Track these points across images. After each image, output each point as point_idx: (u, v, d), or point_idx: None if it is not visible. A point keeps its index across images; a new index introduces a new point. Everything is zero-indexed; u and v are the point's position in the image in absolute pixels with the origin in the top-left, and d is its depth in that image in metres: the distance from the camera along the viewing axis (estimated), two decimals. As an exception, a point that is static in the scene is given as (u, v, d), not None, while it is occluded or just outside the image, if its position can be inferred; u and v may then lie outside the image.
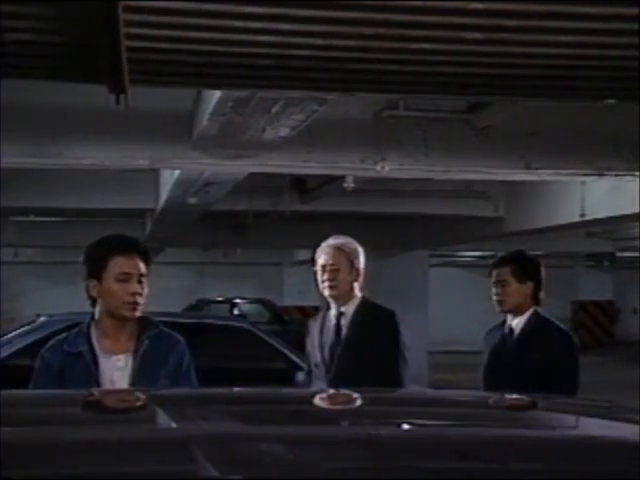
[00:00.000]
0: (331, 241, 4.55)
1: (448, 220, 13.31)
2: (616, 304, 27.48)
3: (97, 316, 3.54)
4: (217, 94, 5.12)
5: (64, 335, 3.59)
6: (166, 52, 3.44)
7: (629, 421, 2.12)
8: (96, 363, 3.46)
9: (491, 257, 6.20)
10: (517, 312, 4.56)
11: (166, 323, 3.73)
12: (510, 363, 4.49)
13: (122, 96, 3.54)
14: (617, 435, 1.97)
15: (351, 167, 7.05)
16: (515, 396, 2.53)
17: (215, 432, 1.82)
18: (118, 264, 3.46)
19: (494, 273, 4.62)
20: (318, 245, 4.60)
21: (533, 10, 3.15)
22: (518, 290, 4.55)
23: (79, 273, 3.60)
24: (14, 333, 9.77)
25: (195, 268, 25.18)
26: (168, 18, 3.15)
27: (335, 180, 9.34)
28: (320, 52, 3.45)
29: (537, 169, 6.90)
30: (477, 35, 3.30)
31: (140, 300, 3.48)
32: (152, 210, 12.20)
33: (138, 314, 3.50)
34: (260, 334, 10.46)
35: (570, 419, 2.27)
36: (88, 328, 3.53)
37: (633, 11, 3.09)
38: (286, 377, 8.65)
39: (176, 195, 9.60)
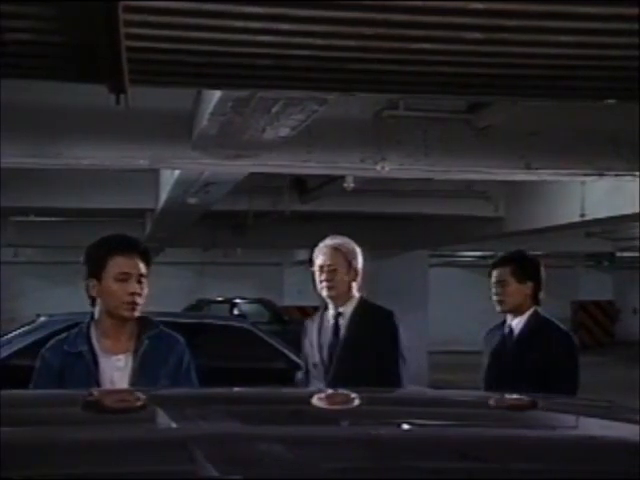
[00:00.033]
0: (328, 241, 4.54)
1: (448, 220, 13.31)
2: (616, 304, 27.48)
3: (97, 316, 3.54)
4: (217, 94, 5.12)
5: (64, 335, 3.59)
6: (166, 52, 3.44)
7: (629, 421, 2.12)
8: (96, 363, 3.47)
9: (491, 257, 6.20)
10: (517, 312, 4.56)
11: (166, 323, 3.73)
12: (510, 363, 4.49)
13: (122, 96, 3.54)
14: (617, 435, 1.97)
15: (351, 167, 7.06)
16: (515, 396, 2.53)
17: (215, 432, 1.82)
18: (117, 264, 3.47)
19: (494, 273, 4.62)
20: (317, 245, 4.59)
21: (533, 10, 3.15)
22: (518, 290, 4.55)
23: (79, 273, 3.60)
24: (14, 333, 9.78)
25: (195, 268, 25.18)
26: (168, 18, 3.15)
27: (335, 180, 9.34)
28: (320, 52, 3.45)
29: (537, 169, 6.90)
30: (477, 35, 3.30)
31: (139, 300, 3.48)
32: (152, 210, 12.21)
33: (137, 314, 3.50)
34: (260, 334, 10.47)
35: (570, 419, 2.27)
36: (88, 328, 3.53)
37: (633, 11, 3.09)
38: (286, 377, 8.65)
39: (176, 195, 9.60)
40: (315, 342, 4.50)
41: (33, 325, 9.69)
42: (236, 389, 2.65)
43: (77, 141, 6.39)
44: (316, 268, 4.50)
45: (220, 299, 22.67)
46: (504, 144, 6.81)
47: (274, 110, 5.17)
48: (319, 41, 3.34)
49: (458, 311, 23.97)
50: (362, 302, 4.54)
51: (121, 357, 3.49)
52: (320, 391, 3.35)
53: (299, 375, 4.65)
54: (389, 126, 6.60)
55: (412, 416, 2.16)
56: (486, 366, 4.64)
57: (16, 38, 3.28)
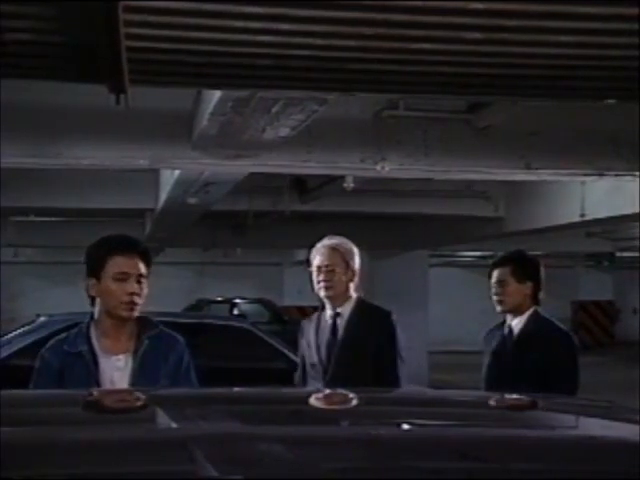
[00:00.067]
0: (326, 241, 4.53)
1: (448, 220, 13.31)
2: (616, 304, 27.48)
3: (97, 316, 3.54)
4: (217, 94, 5.12)
5: (64, 335, 3.59)
6: (166, 52, 3.44)
7: (629, 421, 2.12)
8: (96, 363, 3.46)
9: (491, 257, 6.20)
10: (517, 312, 4.56)
11: (166, 323, 3.73)
12: (510, 363, 4.49)
13: (122, 96, 3.54)
14: (617, 435, 1.97)
15: (351, 167, 7.06)
16: (515, 396, 2.53)
17: (215, 432, 1.82)
18: (117, 263, 3.47)
19: (494, 273, 4.62)
20: (315, 246, 4.59)
21: (533, 10, 3.15)
22: (518, 290, 4.55)
23: (79, 273, 3.61)
24: (14, 333, 9.77)
25: (195, 268, 25.18)
26: (168, 18, 3.15)
27: (335, 180, 9.34)
28: (320, 52, 3.45)
29: (537, 169, 6.90)
30: (477, 35, 3.30)
31: (138, 300, 3.47)
32: (152, 210, 12.21)
33: (136, 314, 3.49)
34: (260, 334, 10.46)
35: (570, 419, 2.27)
36: (88, 328, 3.53)
37: (633, 11, 3.09)
38: (286, 377, 8.64)
39: (176, 195, 9.61)
40: (313, 342, 4.49)
41: (33, 325, 9.69)
42: (236, 389, 2.65)
43: (77, 141, 6.39)
44: (314, 268, 4.49)
45: (220, 299, 22.67)
46: (504, 144, 6.81)
47: (274, 110, 5.17)
48: (319, 41, 3.34)
49: (458, 311, 23.97)
50: (360, 302, 4.53)
51: (121, 357, 3.49)
52: (320, 391, 3.35)
53: (296, 375, 4.64)
54: (389, 126, 6.60)
55: (412, 416, 2.16)
56: (486, 366, 4.64)
57: (16, 38, 3.28)
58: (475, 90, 4.22)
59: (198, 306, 22.11)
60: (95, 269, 3.50)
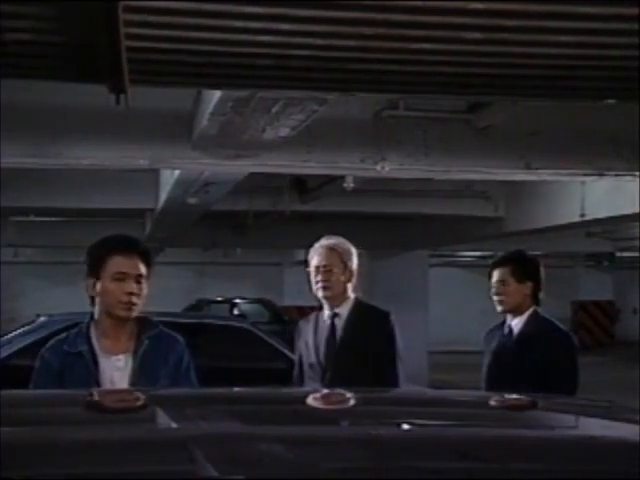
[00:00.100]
0: (324, 242, 4.52)
1: (448, 220, 13.31)
2: (616, 304, 27.49)
3: (97, 316, 3.54)
4: (217, 94, 5.12)
5: (64, 335, 3.59)
6: (166, 52, 3.44)
7: (629, 421, 2.12)
8: (96, 363, 3.46)
9: (491, 257, 6.20)
10: (517, 312, 4.56)
11: (166, 323, 3.73)
12: (510, 363, 4.49)
13: (122, 96, 3.54)
14: (617, 435, 1.97)
15: (351, 167, 7.06)
16: (515, 396, 2.53)
17: (215, 432, 1.82)
18: (116, 263, 3.47)
19: (494, 273, 4.62)
20: (312, 246, 4.58)
21: (533, 10, 3.15)
22: (517, 290, 4.55)
23: (79, 273, 3.61)
24: (14, 333, 9.78)
25: (195, 268, 25.18)
26: (168, 18, 3.15)
27: (335, 180, 9.34)
28: (320, 52, 3.45)
29: (537, 169, 6.90)
30: (477, 35, 3.30)
31: (136, 300, 3.47)
32: (152, 210, 12.21)
33: (135, 314, 3.49)
34: (260, 334, 10.46)
35: (570, 419, 2.27)
36: (88, 328, 3.53)
37: (633, 11, 3.09)
38: (286, 377, 8.64)
39: (176, 195, 9.61)
40: (311, 343, 4.48)
41: (33, 325, 9.69)
42: (236, 389, 2.65)
43: (77, 141, 6.39)
44: (312, 269, 4.48)
45: (220, 299, 22.68)
46: (504, 144, 6.81)
47: (274, 110, 5.17)
48: (319, 41, 3.34)
49: (458, 311, 23.97)
50: (358, 303, 4.52)
51: (121, 357, 3.49)
52: (320, 391, 3.35)
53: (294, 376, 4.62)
54: (389, 126, 6.60)
55: (412, 416, 2.16)
56: (486, 366, 4.64)
57: (16, 38, 3.28)
58: (475, 90, 4.22)
59: (198, 306, 22.12)
60: (95, 269, 3.50)
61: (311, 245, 4.58)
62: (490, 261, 4.91)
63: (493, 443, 1.81)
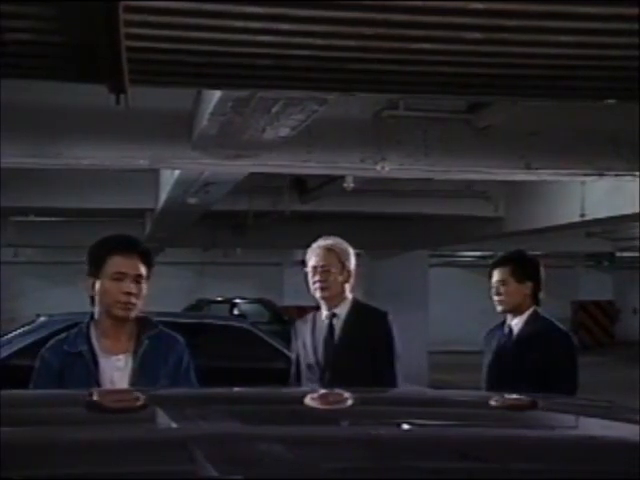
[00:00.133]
0: (321, 242, 4.51)
1: (448, 220, 13.31)
2: (616, 304, 27.49)
3: (96, 316, 3.54)
4: (217, 94, 5.12)
5: (64, 335, 3.59)
6: (166, 52, 3.44)
7: (629, 421, 2.12)
8: (96, 363, 3.46)
9: (491, 257, 6.21)
10: (516, 312, 4.57)
11: (166, 323, 3.73)
12: (510, 363, 4.49)
13: (122, 96, 3.54)
14: (617, 435, 1.97)
15: (351, 167, 7.06)
16: (515, 396, 2.53)
17: (215, 432, 1.82)
18: (115, 263, 3.47)
19: (493, 273, 4.63)
20: (310, 246, 4.57)
21: (533, 10, 3.15)
22: (517, 290, 4.55)
23: (79, 273, 3.61)
24: (14, 333, 9.78)
25: (195, 268, 25.18)
26: (168, 18, 3.15)
27: (335, 180, 9.34)
28: (320, 52, 3.45)
29: (537, 169, 6.90)
30: (477, 35, 3.29)
31: (134, 300, 3.47)
32: (152, 210, 12.21)
33: (133, 314, 3.49)
34: (260, 334, 10.47)
35: (570, 419, 2.27)
36: (88, 328, 3.53)
37: (633, 11, 3.09)
38: (286, 377, 8.64)
39: (176, 195, 9.61)
40: (309, 343, 4.47)
41: (33, 325, 9.70)
42: (236, 389, 2.65)
43: (77, 141, 6.39)
44: (309, 269, 4.47)
45: (220, 299, 22.68)
46: (504, 144, 6.81)
47: (274, 110, 5.17)
48: (319, 41, 3.34)
49: (458, 311, 23.98)
50: (356, 303, 4.52)
51: (121, 357, 3.49)
52: (320, 391, 3.35)
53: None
54: (389, 126, 6.60)
55: (412, 416, 2.16)
56: (486, 366, 4.64)
57: (16, 38, 3.28)
58: (475, 90, 4.22)
59: (198, 306, 22.12)
60: (94, 268, 3.50)
61: (310, 245, 4.58)
62: (490, 261, 4.91)
63: (493, 443, 1.82)
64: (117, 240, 3.57)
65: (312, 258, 4.47)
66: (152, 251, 3.75)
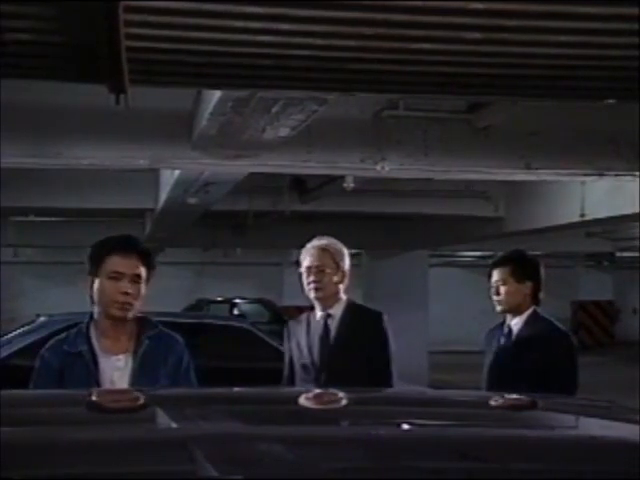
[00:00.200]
0: (315, 242, 4.49)
1: (448, 220, 13.31)
2: (616, 304, 27.49)
3: (96, 316, 3.54)
4: (217, 94, 5.12)
5: (64, 335, 3.59)
6: (166, 52, 3.43)
7: (629, 421, 2.13)
8: (96, 363, 3.47)
9: (491, 257, 6.21)
10: (516, 312, 4.57)
11: (166, 323, 3.73)
12: (510, 363, 4.49)
13: (122, 96, 3.54)
14: (617, 435, 1.97)
15: (351, 167, 7.06)
16: (515, 396, 2.53)
17: (215, 432, 1.82)
18: (113, 262, 3.47)
19: (493, 273, 4.63)
20: (304, 247, 4.55)
21: (533, 10, 3.15)
22: (517, 290, 4.55)
23: (79, 273, 3.62)
24: (14, 333, 9.78)
25: (195, 268, 25.18)
26: (168, 18, 3.15)
27: (335, 180, 9.34)
28: (320, 52, 3.45)
29: (537, 169, 6.90)
30: (477, 35, 3.29)
31: (131, 300, 3.46)
32: (152, 210, 12.21)
33: (131, 315, 3.48)
34: (260, 334, 10.46)
35: (570, 419, 2.27)
36: (87, 328, 3.53)
37: (633, 11, 3.09)
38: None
39: (176, 195, 9.61)
40: (304, 344, 4.45)
41: (33, 325, 9.69)
42: (236, 389, 2.65)
43: (77, 141, 6.39)
44: (303, 270, 4.45)
45: (220, 299, 22.68)
46: (504, 144, 6.81)
47: (274, 110, 5.17)
48: (319, 41, 3.34)
49: (458, 311, 23.98)
50: (350, 303, 4.50)
51: (121, 357, 3.49)
52: (320, 392, 3.35)
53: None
54: (389, 126, 6.60)
55: (412, 416, 2.16)
56: (486, 366, 4.64)
57: (16, 38, 3.28)
58: (475, 90, 4.22)
59: (198, 306, 22.12)
60: (94, 268, 3.51)
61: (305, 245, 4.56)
62: (490, 261, 4.91)
63: (493, 443, 1.82)
64: (117, 240, 3.57)
65: (306, 258, 4.45)
66: (153, 252, 3.75)
